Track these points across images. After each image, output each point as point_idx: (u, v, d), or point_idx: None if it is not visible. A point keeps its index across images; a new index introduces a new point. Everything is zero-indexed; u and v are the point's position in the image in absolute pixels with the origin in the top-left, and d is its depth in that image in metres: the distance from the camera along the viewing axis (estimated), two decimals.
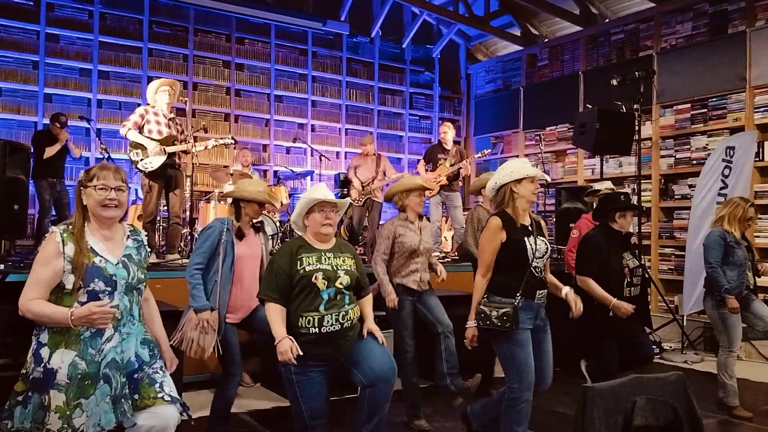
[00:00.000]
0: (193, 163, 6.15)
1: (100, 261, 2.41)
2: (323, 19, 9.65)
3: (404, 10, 10.77)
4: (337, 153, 10.04)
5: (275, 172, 9.31)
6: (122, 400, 2.37)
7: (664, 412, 1.70)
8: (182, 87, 6.95)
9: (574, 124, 7.44)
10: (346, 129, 10.17)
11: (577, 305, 3.44)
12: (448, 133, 7.60)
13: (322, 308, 2.97)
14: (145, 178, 5.85)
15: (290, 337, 2.92)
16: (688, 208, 7.20)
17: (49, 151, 6.76)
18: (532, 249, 3.25)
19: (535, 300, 3.28)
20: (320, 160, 8.71)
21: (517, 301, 3.19)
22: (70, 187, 7.58)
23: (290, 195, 8.55)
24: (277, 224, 7.05)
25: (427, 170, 7.68)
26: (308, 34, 9.89)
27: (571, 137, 7.97)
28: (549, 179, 3.61)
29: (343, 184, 8.79)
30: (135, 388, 2.43)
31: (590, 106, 7.36)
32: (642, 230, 7.18)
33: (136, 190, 8.27)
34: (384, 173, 8.17)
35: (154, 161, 5.76)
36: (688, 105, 7.69)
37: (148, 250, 2.65)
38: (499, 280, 3.29)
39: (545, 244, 3.34)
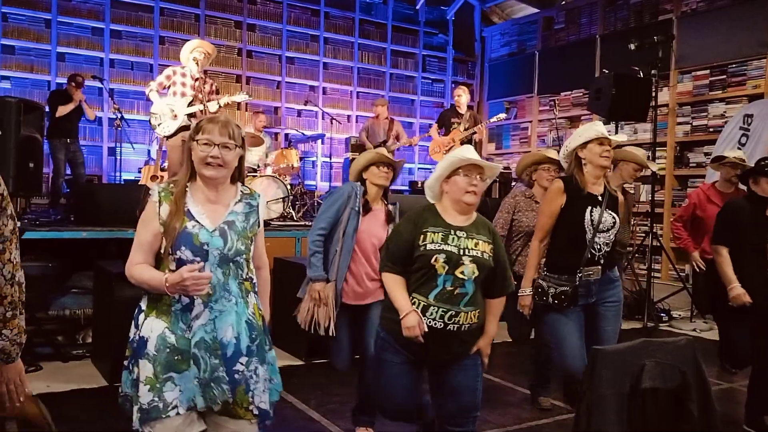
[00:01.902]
0: None
1: (194, 226, 2.14)
2: None
3: None
4: (348, 116, 9.98)
5: (286, 135, 9.29)
6: (212, 384, 2.13)
7: (672, 375, 1.72)
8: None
9: (590, 90, 7.33)
10: (358, 92, 10.09)
11: None
12: (462, 97, 7.53)
13: (431, 296, 2.48)
14: (165, 140, 5.97)
15: (416, 310, 2.51)
16: (703, 176, 7.13)
17: (62, 110, 6.79)
18: (592, 220, 3.04)
19: (584, 276, 3.09)
20: (331, 123, 8.68)
21: (575, 279, 3.04)
22: (84, 147, 7.63)
23: (301, 158, 8.55)
24: (288, 187, 7.07)
25: (439, 134, 7.64)
26: None
27: (586, 103, 7.87)
28: (622, 139, 3.32)
29: (354, 148, 8.77)
30: (233, 381, 2.15)
31: (606, 71, 7.25)
32: (655, 198, 7.14)
33: (148, 150, 8.32)
34: (397, 137, 8.14)
35: (170, 125, 5.85)
36: (707, 71, 7.55)
37: (262, 216, 2.33)
38: (556, 254, 3.15)
39: (613, 218, 3.09)
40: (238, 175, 2.28)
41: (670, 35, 7.38)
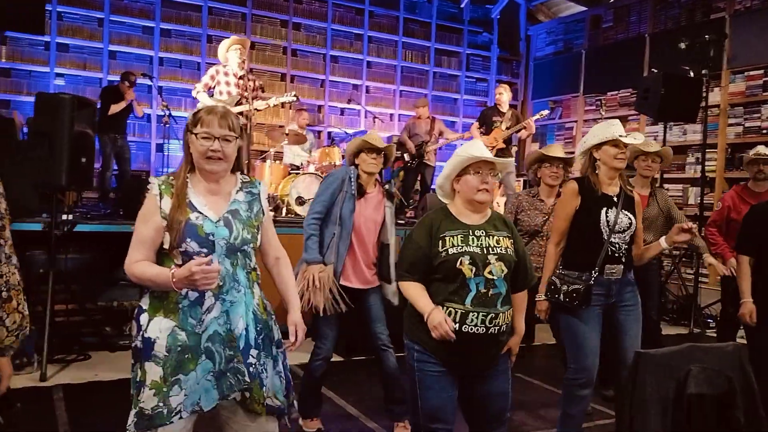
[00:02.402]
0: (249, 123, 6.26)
1: (197, 218, 2.07)
2: None
3: None
4: (391, 115, 10.00)
5: (329, 133, 9.36)
6: (228, 373, 2.07)
7: (718, 381, 1.67)
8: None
9: (638, 89, 7.18)
10: (401, 90, 10.09)
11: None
12: (503, 95, 7.46)
13: (468, 302, 2.36)
14: None
15: (439, 307, 2.41)
16: None
17: (114, 108, 6.99)
18: (607, 222, 2.98)
19: (604, 274, 3.00)
20: (374, 121, 8.70)
21: (590, 277, 2.97)
22: (133, 143, 7.85)
23: (343, 156, 8.59)
24: None
25: (481, 133, 7.58)
26: None
27: (634, 103, 7.70)
28: (639, 140, 3.10)
29: (396, 146, 8.77)
30: (249, 373, 2.09)
31: (655, 71, 7.08)
32: (705, 202, 6.94)
33: None
34: (439, 135, 8.12)
35: None
36: (761, 71, 7.30)
37: (265, 205, 2.26)
38: (572, 253, 3.09)
39: (629, 219, 3.02)
40: (238, 164, 2.22)
41: (723, 34, 7.17)
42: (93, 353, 4.83)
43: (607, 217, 2.99)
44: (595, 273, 2.97)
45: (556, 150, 4.07)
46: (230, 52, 6.08)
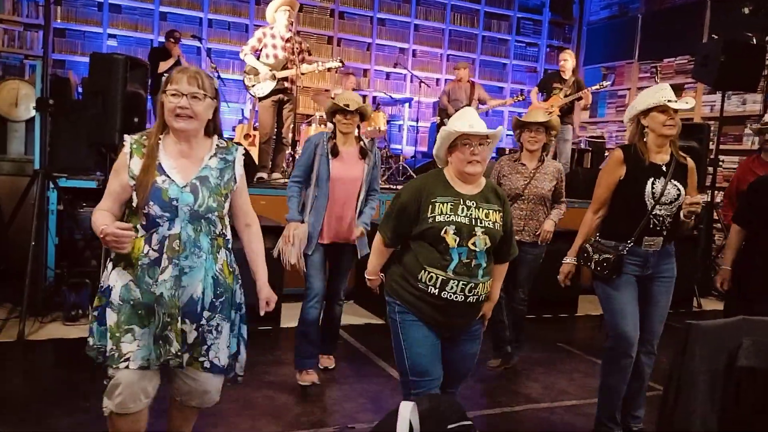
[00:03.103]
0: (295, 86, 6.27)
1: (164, 181, 2.09)
2: None
3: None
4: (437, 80, 9.87)
5: (374, 97, 9.31)
6: (159, 341, 2.14)
7: None
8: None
9: (696, 56, 6.90)
10: (448, 55, 9.93)
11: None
12: (568, 62, 7.24)
13: (450, 270, 2.39)
14: (258, 101, 6.15)
15: (378, 276, 2.66)
16: None
17: (163, 66, 7.10)
18: (652, 193, 2.87)
19: (642, 246, 2.92)
20: (420, 86, 8.61)
21: (624, 248, 2.91)
22: None
23: (388, 121, 8.56)
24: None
25: (539, 99, 7.43)
26: None
27: (691, 70, 7.40)
28: (687, 106, 2.91)
29: (440, 112, 8.69)
30: (196, 337, 2.17)
31: (716, 37, 6.78)
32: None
33: (242, 109, 8.57)
34: (479, 101, 7.99)
35: (265, 87, 6.04)
36: None
37: (239, 171, 2.24)
38: (612, 223, 3.01)
39: (678, 189, 2.88)
40: (214, 127, 2.21)
41: None
42: None
43: (653, 187, 2.87)
44: (629, 243, 2.90)
45: (536, 115, 4.00)
46: (278, 12, 6.07)
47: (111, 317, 2.13)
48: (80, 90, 6.50)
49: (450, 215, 2.40)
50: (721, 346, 1.58)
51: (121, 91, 4.29)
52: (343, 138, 3.60)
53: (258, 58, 6.12)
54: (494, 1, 10.18)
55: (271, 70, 6.03)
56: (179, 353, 2.16)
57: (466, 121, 2.43)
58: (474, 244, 2.39)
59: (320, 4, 9.15)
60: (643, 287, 3.01)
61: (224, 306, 2.22)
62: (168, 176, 2.10)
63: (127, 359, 2.11)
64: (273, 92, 6.08)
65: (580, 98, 7.11)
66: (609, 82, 7.98)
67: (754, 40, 6.71)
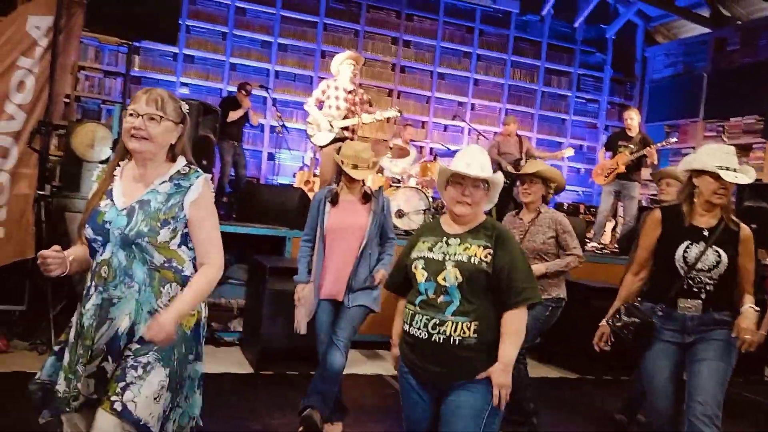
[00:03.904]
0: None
1: (105, 205, 1.99)
2: None
3: None
4: (495, 132, 9.87)
5: (431, 149, 9.40)
6: (72, 376, 1.94)
7: None
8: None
9: (765, 116, 6.71)
10: (507, 109, 9.98)
11: (741, 329, 2.67)
12: (634, 120, 7.19)
13: (417, 304, 2.32)
14: (320, 149, 6.34)
15: (396, 346, 2.50)
16: None
17: (233, 116, 7.38)
18: (684, 257, 2.73)
19: (678, 309, 2.75)
20: (477, 139, 8.65)
21: (655, 311, 2.76)
22: (247, 150, 8.24)
23: None
24: (430, 199, 7.14)
25: (606, 158, 7.38)
26: (477, 12, 9.79)
27: (761, 130, 7.21)
28: (742, 181, 2.73)
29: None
30: (79, 380, 1.93)
31: None
32: None
33: (303, 157, 8.78)
34: (527, 154, 7.97)
35: (325, 136, 6.21)
36: None
37: (189, 198, 2.01)
38: (651, 284, 2.90)
39: (719, 256, 2.71)
40: (181, 153, 2.08)
41: None
42: None
43: (685, 252, 2.73)
44: (661, 308, 2.75)
45: (528, 167, 3.88)
46: (344, 65, 6.26)
47: (66, 356, 2.00)
48: None
49: (424, 252, 2.36)
50: None
51: (193, 135, 4.48)
52: (348, 188, 3.52)
53: (321, 109, 6.31)
54: (555, 58, 10.24)
55: (331, 121, 6.20)
56: (79, 394, 1.93)
57: (465, 160, 2.35)
58: (444, 278, 2.26)
59: (382, 59, 9.40)
60: (688, 353, 2.77)
61: (164, 347, 1.95)
62: (111, 200, 2.01)
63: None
64: (333, 141, 6.22)
65: (644, 156, 7.01)
66: (674, 139, 7.85)
67: None
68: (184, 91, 8.58)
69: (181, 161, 2.10)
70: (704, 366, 2.69)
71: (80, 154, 6.23)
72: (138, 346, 1.94)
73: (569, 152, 8.22)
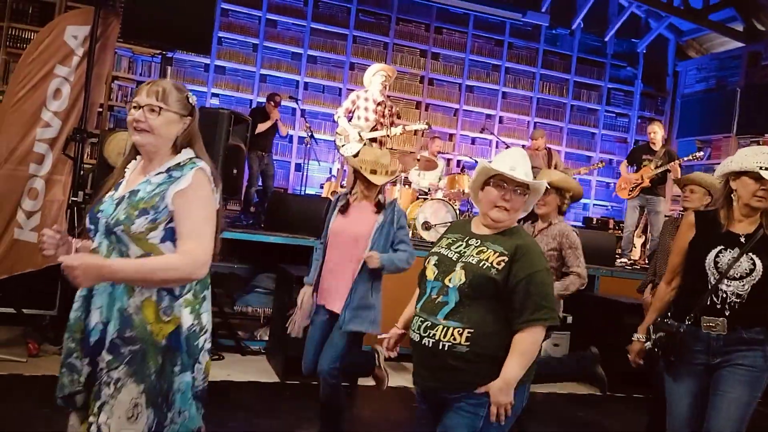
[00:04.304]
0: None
1: (109, 195, 1.97)
2: (523, 10, 9.47)
3: (610, 2, 10.20)
4: (523, 146, 9.81)
5: (459, 161, 9.38)
6: (64, 368, 1.87)
7: None
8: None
9: None
10: (535, 122, 9.92)
11: None
12: (657, 134, 7.12)
13: (419, 305, 2.19)
14: (347, 160, 6.37)
15: (401, 331, 2.43)
16: None
17: (261, 127, 7.44)
18: (715, 262, 2.53)
19: (702, 328, 2.54)
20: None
21: (681, 326, 2.55)
22: (276, 161, 8.30)
23: None
24: (457, 212, 7.11)
25: (629, 171, 7.30)
26: (506, 25, 9.77)
27: None
28: None
29: None
30: (89, 374, 1.85)
31: None
32: None
33: (330, 168, 8.82)
34: (556, 168, 7.90)
35: (353, 147, 6.23)
36: None
37: (174, 189, 1.87)
38: (677, 295, 2.71)
39: (752, 263, 2.51)
40: (179, 145, 1.96)
41: None
42: (226, 354, 5.09)
43: (717, 257, 2.53)
44: (688, 322, 2.53)
45: (540, 177, 3.66)
46: (376, 76, 6.30)
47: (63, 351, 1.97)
48: None
49: (442, 248, 2.22)
50: None
51: (223, 144, 4.52)
52: (362, 193, 3.38)
53: (351, 120, 6.33)
54: (584, 72, 10.17)
55: (360, 132, 6.22)
56: (80, 385, 1.85)
57: (509, 162, 2.17)
58: (450, 280, 2.11)
59: (411, 71, 9.42)
60: (713, 379, 2.56)
61: (135, 359, 1.81)
62: (115, 190, 1.97)
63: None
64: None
65: (668, 170, 6.92)
66: (702, 154, 7.74)
67: None
68: (215, 101, 8.69)
69: (185, 153, 1.97)
70: (724, 401, 2.50)
71: (112, 162, 6.32)
72: (110, 357, 1.80)
73: (600, 166, 8.10)
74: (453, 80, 9.63)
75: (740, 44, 9.28)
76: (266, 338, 5.41)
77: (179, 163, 1.93)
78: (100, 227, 1.89)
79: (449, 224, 2.44)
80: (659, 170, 6.91)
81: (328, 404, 3.30)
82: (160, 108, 1.89)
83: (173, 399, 1.85)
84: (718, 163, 8.45)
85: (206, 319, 1.96)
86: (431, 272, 2.17)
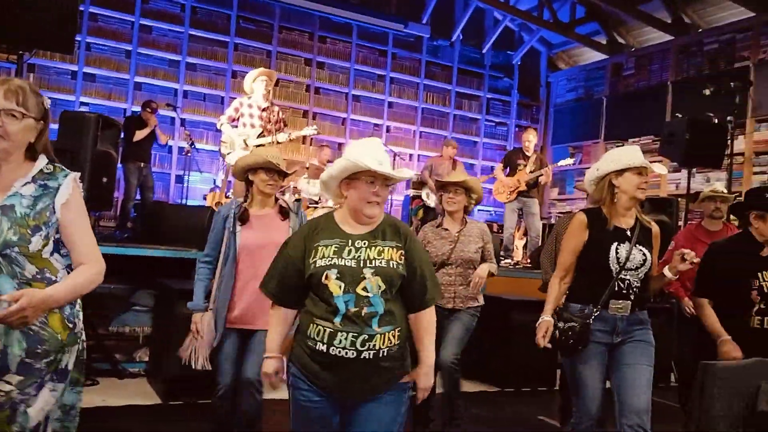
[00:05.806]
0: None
1: None
2: (405, 21, 9.67)
3: (486, 15, 10.66)
4: (411, 155, 10.00)
5: None
6: None
7: None
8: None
9: (662, 134, 7.12)
10: (421, 131, 10.12)
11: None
12: (531, 141, 7.46)
13: (337, 321, 2.05)
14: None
15: (281, 356, 2.21)
16: None
17: (139, 134, 7.04)
18: (617, 258, 2.73)
19: (609, 310, 2.74)
20: (393, 160, 8.68)
21: (590, 314, 2.71)
22: (155, 173, 7.87)
23: None
24: None
25: (505, 175, 7.56)
26: (389, 36, 9.93)
27: (657, 149, 7.65)
28: (665, 171, 3.15)
29: (415, 185, 8.74)
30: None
31: (680, 116, 7.03)
32: None
33: (214, 179, 8.50)
34: None
35: (239, 155, 5.97)
36: None
37: (60, 201, 1.83)
38: (578, 289, 2.83)
39: (643, 254, 2.76)
40: (42, 151, 1.87)
41: (748, 82, 7.13)
42: (101, 379, 4.69)
43: (617, 253, 2.74)
44: (596, 310, 2.72)
45: (455, 176, 3.93)
46: (257, 82, 6.12)
47: None
48: None
49: (333, 258, 2.09)
50: (739, 389, 1.48)
51: (90, 150, 4.19)
52: (260, 201, 3.09)
53: (235, 128, 6.11)
54: (465, 82, 10.52)
55: (245, 139, 6.02)
56: None
57: (375, 157, 2.11)
58: (365, 288, 2.05)
59: (296, 80, 9.31)
60: (615, 354, 2.78)
61: (51, 367, 1.80)
62: None
63: None
64: None
65: (541, 174, 7.28)
66: (572, 160, 8.22)
67: (716, 120, 6.96)
68: (84, 110, 8.13)
69: (43, 160, 1.88)
70: (637, 371, 2.70)
71: None
72: (21, 378, 1.76)
73: (569, 161, 8.20)
74: (339, 89, 9.63)
75: (604, 56, 9.98)
76: (146, 359, 5.05)
77: (42, 171, 1.85)
78: None
79: (306, 230, 2.22)
80: (534, 175, 7.24)
81: (254, 414, 2.98)
82: (22, 114, 1.78)
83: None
84: (589, 167, 8.95)
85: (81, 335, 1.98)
86: (336, 287, 2.06)
